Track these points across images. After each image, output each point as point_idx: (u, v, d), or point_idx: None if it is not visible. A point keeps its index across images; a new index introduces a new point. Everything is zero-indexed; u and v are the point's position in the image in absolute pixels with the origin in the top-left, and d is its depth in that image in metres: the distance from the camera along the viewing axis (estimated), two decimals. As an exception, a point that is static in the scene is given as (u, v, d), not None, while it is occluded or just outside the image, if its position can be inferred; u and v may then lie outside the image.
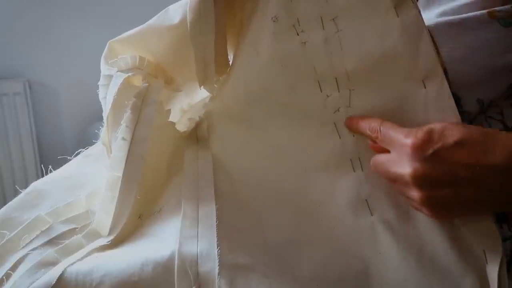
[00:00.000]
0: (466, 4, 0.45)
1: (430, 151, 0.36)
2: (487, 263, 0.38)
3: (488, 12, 0.43)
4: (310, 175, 0.45)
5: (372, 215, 0.42)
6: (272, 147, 0.46)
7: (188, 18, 0.43)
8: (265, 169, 0.46)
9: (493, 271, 0.37)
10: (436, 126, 0.37)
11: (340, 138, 0.44)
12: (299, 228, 0.42)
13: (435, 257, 0.39)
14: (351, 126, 0.44)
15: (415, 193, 0.38)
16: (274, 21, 0.43)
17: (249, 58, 0.45)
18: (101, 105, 0.48)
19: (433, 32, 0.43)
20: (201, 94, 0.53)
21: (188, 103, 0.54)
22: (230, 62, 0.49)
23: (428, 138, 0.36)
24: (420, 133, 0.37)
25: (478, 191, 0.36)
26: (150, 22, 0.46)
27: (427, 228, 0.40)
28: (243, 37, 0.45)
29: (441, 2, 0.47)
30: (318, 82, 0.44)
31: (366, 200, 0.43)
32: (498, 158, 0.35)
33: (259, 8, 0.44)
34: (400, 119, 0.42)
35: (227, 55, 0.47)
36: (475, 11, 0.44)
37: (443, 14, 0.46)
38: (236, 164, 0.46)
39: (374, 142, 0.42)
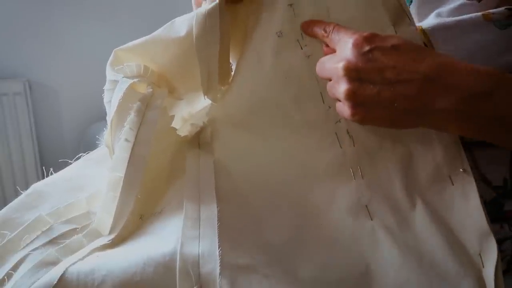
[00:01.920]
0: (462, 6, 0.45)
1: (367, 48, 0.39)
2: (483, 266, 0.39)
3: (483, 14, 0.44)
4: (311, 182, 0.46)
5: (372, 219, 0.43)
6: (274, 155, 0.47)
7: (194, 32, 0.45)
8: (266, 174, 0.46)
9: (489, 274, 0.38)
10: (384, 33, 0.40)
11: (341, 147, 0.46)
12: (300, 230, 0.43)
13: (434, 260, 0.40)
14: (307, 28, 0.46)
15: (343, 86, 0.40)
16: (278, 36, 0.46)
17: (253, 70, 0.47)
18: (101, 105, 0.48)
19: (429, 34, 0.44)
20: (202, 103, 0.54)
21: (189, 112, 0.55)
22: (232, 71, 0.50)
23: (370, 38, 0.39)
24: (365, 33, 0.40)
25: (396, 95, 0.38)
26: (155, 33, 0.47)
27: (425, 233, 0.41)
28: (247, 49, 0.47)
29: (437, 3, 0.47)
30: (321, 94, 0.46)
31: (366, 205, 0.43)
32: (423, 67, 0.37)
33: (262, 21, 0.46)
34: (398, 132, 0.44)
35: (229, 65, 0.49)
36: (471, 12, 0.45)
37: (439, 15, 0.46)
38: (238, 168, 0.47)
39: (327, 46, 0.44)
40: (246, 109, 0.48)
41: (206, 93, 0.48)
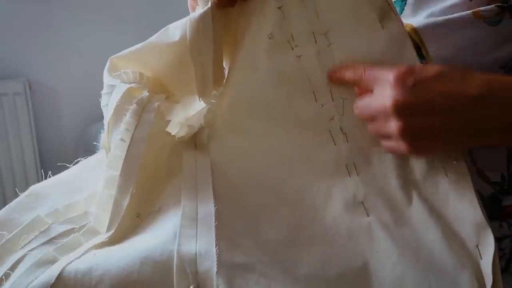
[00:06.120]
0: (453, 5, 0.45)
1: (412, 81, 0.38)
2: (481, 258, 0.39)
3: (473, 12, 0.44)
4: (308, 180, 0.46)
5: (368, 216, 0.43)
6: (271, 155, 0.48)
7: (188, 37, 0.46)
8: (263, 173, 0.47)
9: (487, 266, 0.38)
10: (418, 64, 0.40)
11: (335, 145, 0.46)
12: (297, 228, 0.43)
13: (431, 254, 0.40)
14: (334, 76, 0.45)
15: (394, 124, 0.39)
16: (270, 38, 0.47)
17: (248, 72, 0.48)
18: (101, 105, 0.48)
19: (421, 33, 0.45)
20: (198, 106, 0.55)
21: (185, 116, 0.55)
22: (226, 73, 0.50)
23: (410, 70, 0.38)
24: (402, 67, 0.39)
25: (451, 120, 0.38)
26: (150, 39, 0.48)
27: (423, 228, 0.41)
28: (240, 52, 0.48)
29: (429, 3, 0.47)
30: (313, 93, 0.47)
31: (362, 202, 0.44)
32: (474, 88, 0.37)
33: (253, 24, 0.47)
34: None
35: (223, 68, 0.50)
36: (463, 11, 0.45)
37: (431, 15, 0.47)
38: (235, 168, 0.47)
39: (359, 88, 0.43)
40: (242, 111, 0.49)
41: (201, 95, 0.49)
